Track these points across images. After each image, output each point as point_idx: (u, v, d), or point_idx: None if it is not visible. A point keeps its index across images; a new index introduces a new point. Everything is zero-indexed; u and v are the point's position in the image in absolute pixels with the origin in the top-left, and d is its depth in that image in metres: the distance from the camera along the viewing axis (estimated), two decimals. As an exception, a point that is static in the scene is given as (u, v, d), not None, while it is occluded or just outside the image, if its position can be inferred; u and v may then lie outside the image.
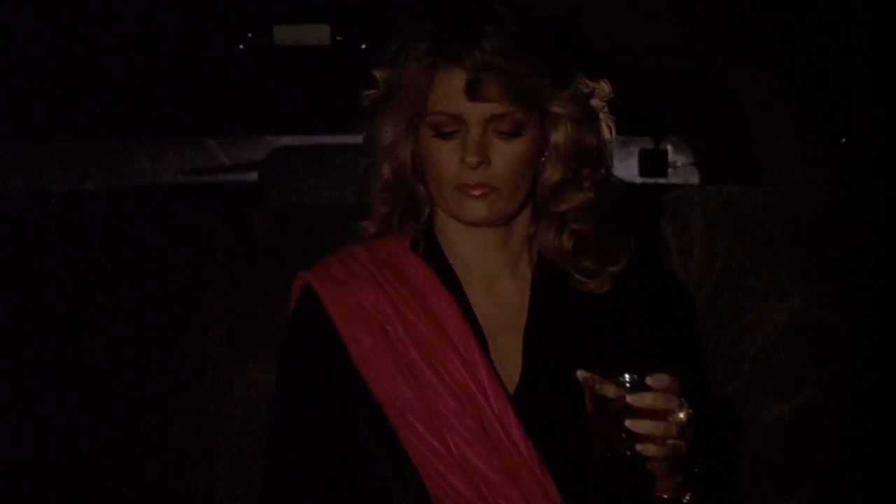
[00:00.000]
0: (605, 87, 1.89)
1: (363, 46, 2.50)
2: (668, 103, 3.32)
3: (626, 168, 3.87)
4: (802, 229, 2.37)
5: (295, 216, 2.98)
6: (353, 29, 2.46)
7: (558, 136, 1.85)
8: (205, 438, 2.41)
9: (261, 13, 2.45)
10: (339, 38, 2.47)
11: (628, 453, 1.63)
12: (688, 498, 1.73)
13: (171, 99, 3.23)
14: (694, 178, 3.65)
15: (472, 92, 1.76)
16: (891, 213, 2.44)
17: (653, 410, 1.62)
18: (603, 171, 1.90)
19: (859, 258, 2.38)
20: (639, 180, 3.95)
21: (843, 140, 2.63)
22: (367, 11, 2.44)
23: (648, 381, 1.63)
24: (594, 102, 1.88)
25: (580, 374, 1.66)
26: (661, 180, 3.95)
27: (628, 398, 1.62)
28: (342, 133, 3.42)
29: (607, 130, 1.89)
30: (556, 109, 1.83)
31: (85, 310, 2.41)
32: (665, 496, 1.72)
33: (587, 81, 1.88)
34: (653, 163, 3.89)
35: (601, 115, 1.89)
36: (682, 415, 1.63)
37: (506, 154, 1.80)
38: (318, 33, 2.47)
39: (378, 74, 1.88)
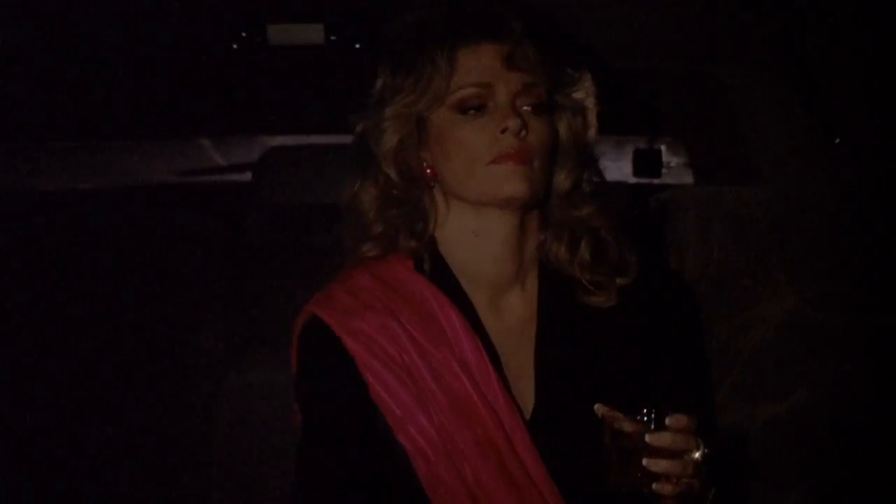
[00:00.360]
0: (588, 78, 1.89)
1: (357, 46, 2.50)
2: (662, 103, 3.32)
3: (620, 168, 3.87)
4: (796, 229, 2.37)
5: (289, 216, 2.98)
6: (348, 28, 2.45)
7: (562, 129, 1.84)
8: (199, 439, 2.41)
9: (255, 12, 2.44)
10: (333, 37, 2.47)
11: (644, 490, 1.64)
12: None
13: (164, 98, 3.23)
14: (688, 179, 3.64)
15: (509, 59, 1.74)
16: (884, 212, 2.44)
17: (670, 450, 1.63)
18: (600, 175, 1.90)
19: (853, 258, 2.38)
20: (633, 180, 3.95)
21: (837, 140, 2.63)
22: (362, 11, 2.43)
23: (667, 421, 1.63)
24: (579, 95, 1.88)
25: (598, 408, 1.66)
26: (656, 180, 3.95)
27: (647, 437, 1.63)
28: (336, 133, 3.41)
29: (595, 128, 1.89)
30: (560, 98, 1.84)
31: (77, 310, 2.41)
32: None
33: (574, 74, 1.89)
34: (647, 163, 3.89)
35: (589, 110, 1.89)
36: (697, 454, 1.65)
37: (537, 128, 1.78)
38: (312, 33, 2.46)
39: (382, 74, 1.84)
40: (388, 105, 1.80)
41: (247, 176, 3.71)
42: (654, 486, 1.63)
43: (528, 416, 1.78)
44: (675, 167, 4.00)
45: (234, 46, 2.52)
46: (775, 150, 2.86)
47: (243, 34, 2.48)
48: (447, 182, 1.80)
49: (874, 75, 2.48)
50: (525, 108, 1.77)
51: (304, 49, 2.53)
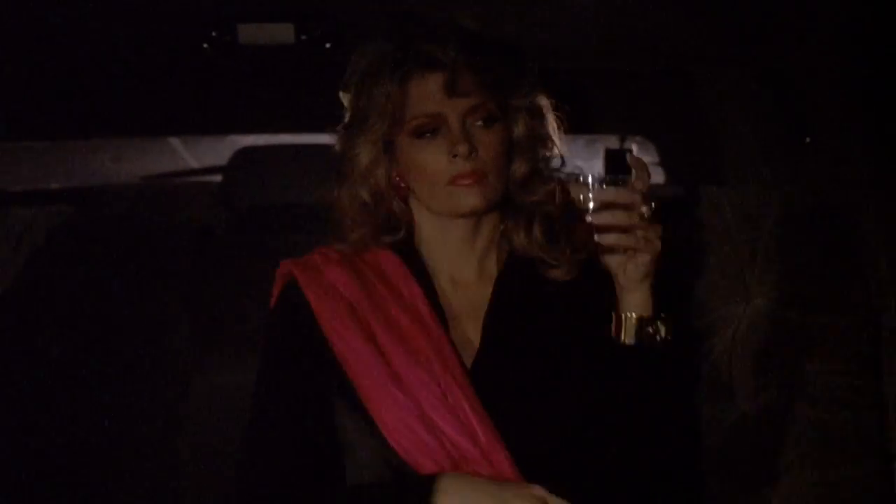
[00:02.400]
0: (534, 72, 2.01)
1: (327, 45, 2.50)
2: (633, 102, 3.33)
3: (592, 167, 3.88)
4: (767, 228, 2.38)
5: (259, 216, 2.97)
6: (318, 28, 2.45)
7: (518, 129, 1.99)
8: (166, 441, 2.39)
9: (225, 12, 2.43)
10: (303, 37, 2.47)
11: (599, 252, 1.84)
12: (651, 315, 1.86)
13: (133, 98, 3.21)
14: (659, 178, 3.65)
15: (451, 88, 1.89)
16: (855, 212, 2.45)
17: (616, 204, 1.81)
18: (560, 162, 2.04)
19: (824, 258, 2.39)
20: (604, 180, 3.95)
21: (808, 139, 2.64)
22: (332, 10, 2.43)
23: (609, 178, 1.82)
24: (540, 99, 2.01)
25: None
26: (627, 180, 3.96)
27: (592, 194, 1.81)
28: (307, 132, 3.40)
29: (556, 123, 2.02)
30: (516, 101, 1.97)
31: (42, 310, 2.39)
32: (632, 314, 1.87)
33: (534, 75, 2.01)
34: (618, 162, 3.89)
35: (548, 111, 2.02)
36: (644, 209, 1.81)
37: (488, 142, 1.92)
38: (282, 32, 2.46)
39: (345, 100, 1.99)
40: (357, 130, 1.97)
41: (216, 175, 3.70)
42: (603, 238, 1.81)
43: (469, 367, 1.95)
44: (646, 167, 4.00)
45: (204, 46, 2.51)
46: (746, 149, 2.87)
47: (213, 33, 2.48)
48: (417, 195, 1.99)
49: (846, 73, 2.49)
50: (477, 123, 1.92)
51: (275, 49, 2.53)
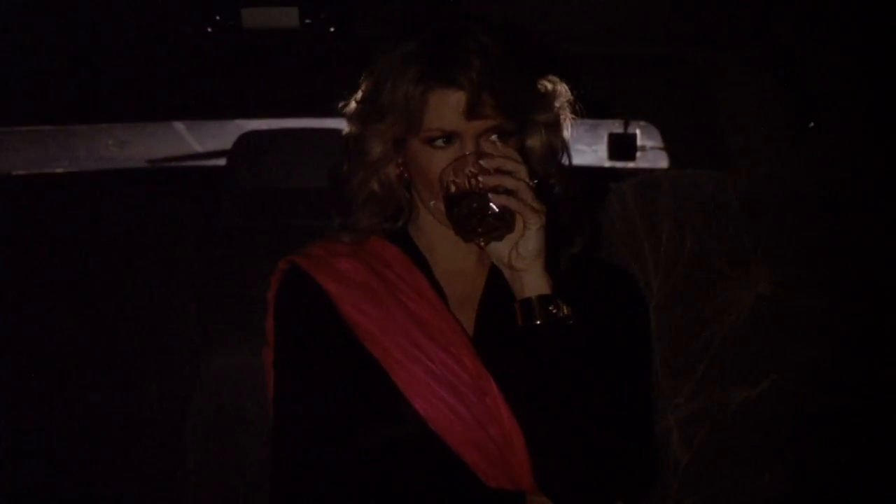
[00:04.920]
0: (563, 90, 2.02)
1: (332, 29, 2.49)
2: (638, 87, 3.33)
3: (596, 152, 3.88)
4: (770, 214, 2.38)
5: (264, 200, 2.97)
6: (322, 12, 2.45)
7: (533, 141, 2.03)
8: (174, 424, 2.40)
9: (229, -4, 2.43)
10: (307, 20, 2.47)
11: (489, 212, 1.87)
12: (550, 293, 1.89)
13: (138, 82, 3.21)
14: (663, 163, 3.65)
15: (470, 111, 1.91)
16: (857, 198, 2.46)
17: (500, 168, 1.88)
18: (569, 166, 2.06)
19: (826, 243, 2.39)
20: (608, 164, 3.96)
21: (811, 125, 2.64)
22: (336, -6, 2.43)
23: (488, 147, 1.90)
24: (557, 104, 2.02)
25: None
26: (630, 164, 3.96)
27: (480, 161, 1.88)
28: (311, 116, 3.40)
29: (568, 130, 2.04)
30: (536, 118, 2.00)
31: (50, 294, 2.40)
32: (534, 296, 1.90)
33: (550, 84, 2.02)
34: (622, 147, 3.89)
35: (564, 116, 2.03)
36: (524, 171, 1.87)
37: None
38: (286, 16, 2.46)
39: (364, 88, 2.00)
40: (370, 122, 1.98)
41: (221, 160, 3.70)
42: (492, 199, 1.86)
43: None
44: (649, 151, 4.01)
45: (209, 30, 2.51)
46: (750, 135, 2.86)
47: (217, 17, 2.47)
48: (418, 195, 2.04)
49: (849, 60, 2.49)
50: (491, 138, 1.94)
51: (279, 32, 2.53)
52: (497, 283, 2.01)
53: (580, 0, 2.46)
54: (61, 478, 2.38)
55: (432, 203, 1.97)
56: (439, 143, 1.94)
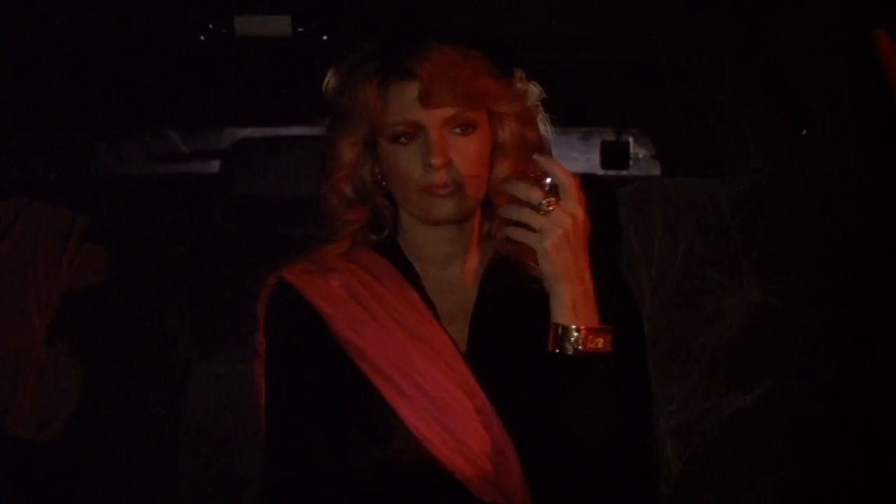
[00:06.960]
0: (534, 88, 2.04)
1: (324, 38, 2.50)
2: (630, 95, 3.33)
3: (588, 160, 3.88)
4: (763, 221, 2.38)
5: (257, 207, 2.96)
6: (315, 20, 2.46)
7: (504, 134, 2.01)
8: (166, 431, 2.40)
9: (222, 4, 2.43)
10: (300, 29, 2.47)
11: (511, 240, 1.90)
12: (583, 331, 1.87)
13: (131, 89, 3.21)
14: (655, 171, 3.65)
15: (426, 100, 1.91)
16: (850, 205, 2.46)
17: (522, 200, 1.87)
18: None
19: (819, 250, 2.40)
20: (601, 172, 3.96)
21: (804, 132, 2.65)
22: (329, 3, 2.43)
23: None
24: (529, 102, 2.03)
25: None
26: (623, 172, 3.97)
27: (504, 186, 1.90)
28: (304, 124, 3.40)
29: (544, 126, 2.05)
30: (501, 108, 1.99)
31: (43, 301, 2.39)
32: (561, 323, 1.88)
33: (522, 82, 2.04)
34: (614, 155, 3.89)
35: (538, 113, 2.04)
36: (544, 202, 1.86)
37: (464, 150, 1.95)
38: (279, 24, 2.46)
39: (330, 98, 2.03)
40: (339, 129, 2.01)
41: (214, 167, 3.69)
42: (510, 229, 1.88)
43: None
44: (642, 159, 4.01)
45: (202, 38, 2.52)
46: (742, 142, 2.87)
47: (210, 25, 2.48)
48: (395, 197, 2.04)
49: (841, 66, 2.50)
50: (455, 130, 1.95)
51: (272, 40, 2.53)
52: (489, 294, 2.02)
53: (572, 7, 2.47)
54: (52, 483, 2.37)
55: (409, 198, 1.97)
56: (403, 139, 1.94)
